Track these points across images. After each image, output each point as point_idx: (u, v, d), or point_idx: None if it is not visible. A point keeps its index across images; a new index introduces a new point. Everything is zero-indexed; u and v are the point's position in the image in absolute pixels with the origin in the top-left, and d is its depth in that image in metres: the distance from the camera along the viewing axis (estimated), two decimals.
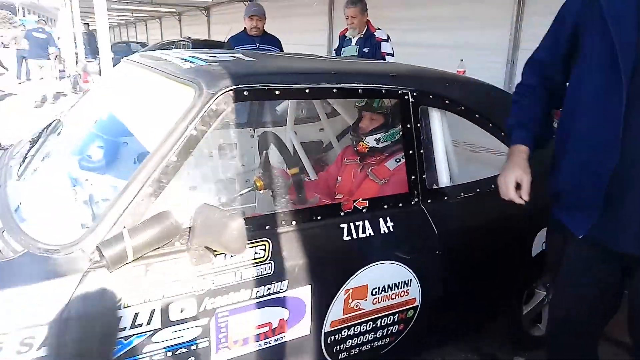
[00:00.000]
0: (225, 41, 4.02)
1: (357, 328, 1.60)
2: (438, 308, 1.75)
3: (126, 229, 1.20)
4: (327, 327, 1.54)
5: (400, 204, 1.65)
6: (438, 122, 1.78)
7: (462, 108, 1.81)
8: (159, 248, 1.24)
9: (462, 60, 5.51)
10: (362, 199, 1.59)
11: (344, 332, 1.58)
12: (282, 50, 3.85)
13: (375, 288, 1.58)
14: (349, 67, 2.04)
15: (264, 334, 1.44)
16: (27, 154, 1.79)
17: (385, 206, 1.63)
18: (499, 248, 1.84)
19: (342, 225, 1.53)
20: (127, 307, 1.22)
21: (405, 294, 1.65)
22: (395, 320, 1.67)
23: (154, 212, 1.26)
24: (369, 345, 1.66)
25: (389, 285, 1.60)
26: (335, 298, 1.51)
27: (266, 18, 3.80)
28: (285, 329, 1.47)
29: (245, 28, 3.80)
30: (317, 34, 9.65)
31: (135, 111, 1.76)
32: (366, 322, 1.61)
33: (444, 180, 1.76)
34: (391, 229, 1.60)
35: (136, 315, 1.23)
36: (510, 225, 1.82)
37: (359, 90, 1.65)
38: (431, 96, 1.75)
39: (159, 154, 1.29)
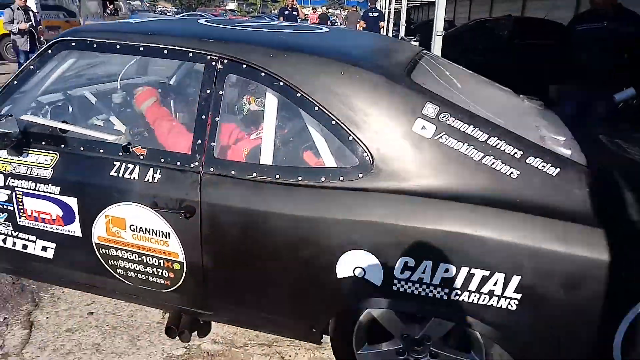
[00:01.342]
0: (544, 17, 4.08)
1: (125, 254, 1.89)
2: (206, 278, 1.84)
3: None
4: (95, 239, 1.91)
5: (178, 162, 1.79)
6: (270, 98, 1.79)
7: (282, 84, 1.70)
8: None
9: None
10: (142, 147, 1.83)
11: (114, 251, 1.90)
12: None
13: (133, 225, 1.84)
14: (198, 30, 2.18)
15: (47, 220, 1.95)
16: None
17: (162, 160, 1.80)
18: (273, 250, 1.72)
19: (115, 163, 1.83)
20: None
21: (165, 244, 1.82)
22: (162, 265, 1.86)
23: None
24: (144, 276, 1.92)
25: (146, 228, 1.82)
26: (97, 218, 1.87)
27: None
28: (62, 224, 1.93)
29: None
30: None
31: None
32: (132, 252, 1.88)
33: (266, 159, 1.76)
34: (156, 181, 1.78)
35: None
36: (293, 231, 1.67)
37: (164, 51, 1.85)
38: (244, 66, 1.75)
39: None
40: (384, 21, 12.42)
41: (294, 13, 10.07)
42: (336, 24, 26.34)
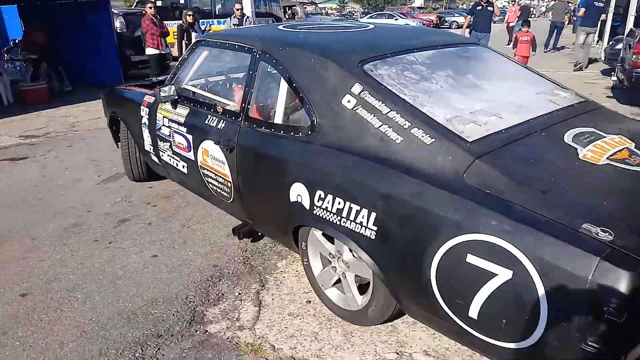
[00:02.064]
0: None
1: (210, 173, 2.90)
2: (241, 195, 2.71)
3: None
4: (198, 162, 2.96)
5: (232, 118, 2.71)
6: (277, 78, 2.53)
7: (281, 68, 2.46)
8: None
9: None
10: (220, 107, 2.87)
11: (205, 170, 2.93)
12: None
13: (212, 154, 2.82)
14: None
15: (182, 148, 3.10)
16: None
17: (226, 115, 2.76)
18: (266, 178, 2.50)
19: (208, 115, 2.89)
20: None
21: (222, 168, 2.75)
22: (223, 182, 2.80)
23: None
24: (218, 190, 2.90)
25: (215, 157, 2.79)
26: (199, 148, 2.91)
27: None
28: (187, 151, 3.05)
29: None
30: None
31: None
32: (212, 172, 2.87)
33: (277, 118, 2.51)
34: (221, 127, 2.74)
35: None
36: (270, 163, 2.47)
37: (235, 47, 2.90)
38: (267, 55, 2.57)
39: None
40: (606, 13, 10.97)
41: (489, 9, 9.43)
42: (534, 15, 23.89)
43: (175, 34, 10.31)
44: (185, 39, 8.53)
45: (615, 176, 1.85)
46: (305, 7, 23.17)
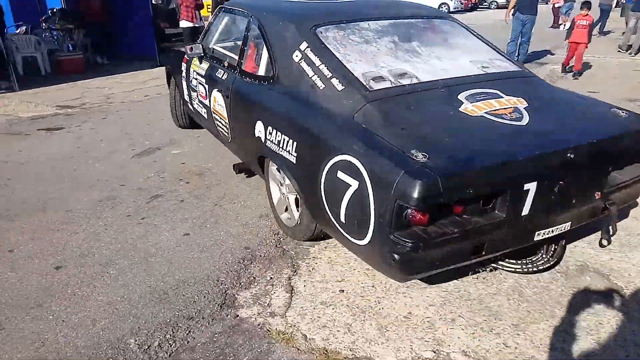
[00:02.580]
0: None
1: (217, 116, 3.52)
2: (234, 136, 3.36)
3: None
4: (211, 108, 3.61)
5: (232, 70, 3.32)
6: (259, 37, 3.13)
7: (262, 31, 3.08)
8: None
9: None
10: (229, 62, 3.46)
11: (214, 114, 3.58)
12: None
13: (217, 101, 3.47)
14: None
15: (202, 97, 3.76)
16: None
17: (230, 69, 3.35)
18: (244, 117, 3.13)
19: (220, 70, 3.50)
20: None
21: (223, 111, 3.38)
22: (225, 124, 3.42)
23: None
24: (222, 130, 3.55)
25: (218, 102, 3.42)
26: (211, 96, 3.59)
27: None
28: (205, 99, 3.70)
29: None
30: None
31: None
32: (218, 115, 3.51)
33: (260, 70, 3.06)
34: (224, 78, 3.37)
35: None
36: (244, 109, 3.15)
37: (237, 12, 3.58)
38: (255, 19, 3.20)
39: None
40: None
41: None
42: None
43: (209, 7, 10.19)
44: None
45: (479, 125, 2.25)
46: None
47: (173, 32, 10.37)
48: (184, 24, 8.60)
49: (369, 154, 2.01)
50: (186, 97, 4.28)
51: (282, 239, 2.95)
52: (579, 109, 2.62)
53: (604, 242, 2.44)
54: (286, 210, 2.93)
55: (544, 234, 2.25)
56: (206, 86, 3.61)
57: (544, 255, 2.57)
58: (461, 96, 2.45)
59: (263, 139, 2.78)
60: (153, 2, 10.05)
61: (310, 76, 2.53)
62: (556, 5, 16.36)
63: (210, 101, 3.55)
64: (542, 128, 2.25)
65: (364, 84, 2.39)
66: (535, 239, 2.24)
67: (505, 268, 2.52)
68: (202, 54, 3.72)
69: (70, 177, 3.92)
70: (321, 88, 2.46)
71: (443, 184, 1.80)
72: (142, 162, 4.26)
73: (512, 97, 2.49)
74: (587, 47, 7.91)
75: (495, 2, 27.38)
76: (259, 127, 2.82)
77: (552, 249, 2.60)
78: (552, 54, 10.21)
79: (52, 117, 5.81)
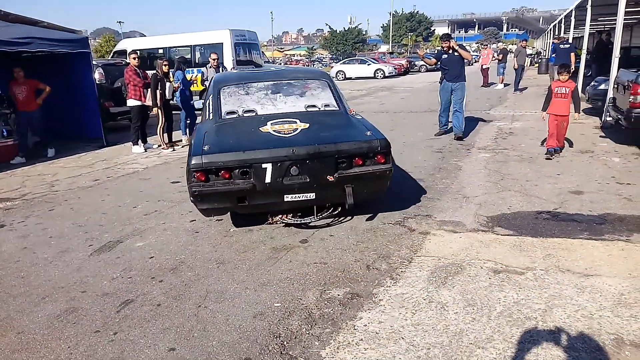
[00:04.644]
0: None
1: None
2: None
3: None
4: None
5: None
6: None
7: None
8: None
9: None
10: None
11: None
12: None
13: None
14: None
15: None
16: None
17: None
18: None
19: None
20: None
21: None
22: None
23: None
24: None
25: None
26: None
27: None
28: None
29: None
30: None
31: None
32: None
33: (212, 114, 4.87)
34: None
35: None
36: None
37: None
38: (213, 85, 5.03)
39: None
40: (574, 52, 12.57)
41: (456, 54, 7.78)
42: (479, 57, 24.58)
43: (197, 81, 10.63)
44: (159, 88, 8.15)
45: (261, 136, 3.87)
46: (265, 56, 23.11)
47: (118, 111, 10.00)
48: (131, 102, 8.28)
49: (200, 151, 3.65)
50: None
51: (285, 342, 2.56)
52: (343, 130, 4.03)
53: (347, 206, 3.82)
54: None
55: (292, 197, 3.73)
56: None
57: (318, 215, 4.05)
58: (269, 122, 4.07)
59: None
60: (97, 81, 9.69)
61: (208, 111, 4.51)
62: (484, 67, 17.67)
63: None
64: (296, 139, 3.78)
65: (222, 115, 4.33)
66: (286, 199, 3.74)
67: (301, 222, 4.08)
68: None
69: (18, 287, 3.34)
70: (208, 116, 4.44)
71: (204, 160, 3.57)
72: (103, 260, 3.75)
73: (302, 123, 4.03)
74: (568, 120, 6.32)
75: (425, 65, 29.35)
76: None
77: (323, 212, 4.07)
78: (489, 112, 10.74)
79: None
